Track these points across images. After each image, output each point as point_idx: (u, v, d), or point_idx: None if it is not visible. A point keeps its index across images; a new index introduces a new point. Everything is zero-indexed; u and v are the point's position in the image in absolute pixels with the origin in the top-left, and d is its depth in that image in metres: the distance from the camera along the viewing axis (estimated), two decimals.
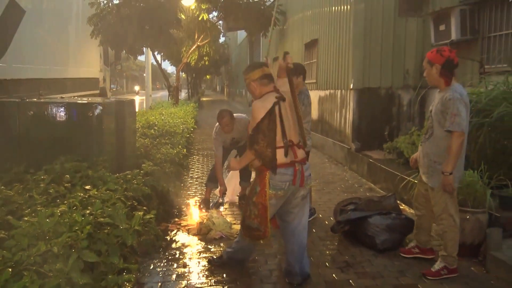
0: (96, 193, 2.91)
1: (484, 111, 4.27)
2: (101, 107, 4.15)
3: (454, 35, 5.73)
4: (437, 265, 3.49)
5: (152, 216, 3.10)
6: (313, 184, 6.19)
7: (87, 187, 3.13)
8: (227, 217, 4.89)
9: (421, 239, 3.80)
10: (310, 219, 4.62)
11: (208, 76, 43.11)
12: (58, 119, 4.15)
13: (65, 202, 2.77)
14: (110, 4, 8.92)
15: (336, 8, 8.62)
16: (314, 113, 10.26)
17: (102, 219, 2.51)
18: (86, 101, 4.33)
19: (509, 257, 3.46)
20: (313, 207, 4.90)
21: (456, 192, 3.45)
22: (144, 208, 3.46)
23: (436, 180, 3.38)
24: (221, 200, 5.31)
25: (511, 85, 4.33)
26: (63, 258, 2.17)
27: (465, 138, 3.24)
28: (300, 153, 3.20)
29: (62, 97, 5.47)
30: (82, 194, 2.88)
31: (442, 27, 6.00)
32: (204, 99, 37.05)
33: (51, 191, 3.07)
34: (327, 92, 9.29)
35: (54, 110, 4.14)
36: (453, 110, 3.15)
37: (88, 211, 2.54)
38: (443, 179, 3.27)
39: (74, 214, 2.41)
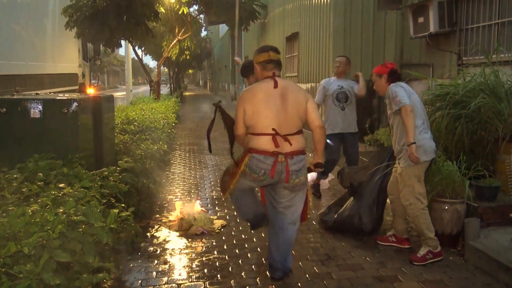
0: (70, 191, 2.84)
1: (461, 103, 4.31)
2: (76, 103, 4.06)
3: (432, 28, 5.75)
4: (422, 250, 3.60)
5: (129, 213, 3.04)
6: None
7: (61, 185, 3.05)
8: (208, 212, 4.85)
9: (397, 227, 3.93)
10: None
11: (190, 71, 42.78)
12: (32, 116, 4.04)
13: (39, 201, 2.70)
14: None
15: (317, 1, 8.60)
16: None
17: (75, 218, 2.45)
18: (60, 97, 4.22)
19: (486, 246, 3.51)
20: None
21: (423, 177, 3.60)
22: (123, 205, 3.40)
23: (405, 161, 3.57)
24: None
25: (488, 77, 4.37)
26: (34, 258, 2.11)
27: (412, 109, 3.47)
28: (286, 146, 3.08)
29: (37, 93, 5.33)
30: (55, 193, 2.80)
31: (420, 20, 6.02)
32: (186, 93, 36.80)
33: (24, 190, 2.99)
34: (308, 85, 9.29)
35: (27, 106, 4.04)
36: (392, 94, 3.57)
37: (61, 210, 2.48)
38: (408, 150, 3.47)
39: (46, 213, 2.34)
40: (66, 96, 4.50)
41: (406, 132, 3.47)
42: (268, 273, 3.40)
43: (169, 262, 3.69)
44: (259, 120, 3.09)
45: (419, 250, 3.63)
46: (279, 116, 3.07)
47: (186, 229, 4.38)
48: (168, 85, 30.10)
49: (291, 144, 3.09)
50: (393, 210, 3.98)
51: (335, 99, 5.26)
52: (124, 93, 18.48)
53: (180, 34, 14.31)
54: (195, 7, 14.68)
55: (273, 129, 3.06)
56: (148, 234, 4.29)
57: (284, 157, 3.06)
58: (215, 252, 3.87)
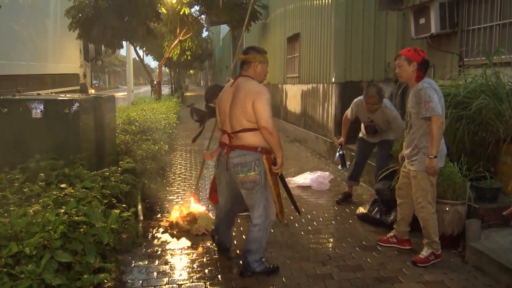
0: (71, 191, 2.85)
1: (463, 104, 4.31)
2: (78, 104, 4.06)
3: (434, 29, 5.76)
4: (425, 252, 3.60)
5: (131, 213, 3.04)
6: (295, 177, 6.21)
7: (63, 185, 3.06)
8: (210, 213, 4.85)
9: (400, 229, 3.92)
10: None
11: (191, 71, 42.78)
12: (33, 116, 4.05)
13: (40, 201, 2.71)
14: None
15: (318, 2, 8.60)
16: (297, 107, 10.27)
17: (77, 218, 2.45)
18: (62, 98, 4.23)
19: (487, 247, 3.50)
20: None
21: (436, 181, 3.59)
22: (124, 205, 3.41)
23: (420, 165, 3.51)
24: (341, 152, 5.26)
25: (489, 78, 4.37)
26: (36, 258, 2.12)
27: (443, 121, 3.42)
28: (225, 139, 3.37)
29: (38, 94, 5.34)
30: (57, 193, 2.81)
31: (422, 21, 6.02)
32: (188, 94, 36.79)
33: (25, 190, 3.00)
34: (310, 86, 9.29)
35: (29, 107, 4.04)
36: (426, 98, 3.38)
37: (62, 210, 2.48)
38: (427, 162, 3.43)
39: (47, 214, 2.35)
40: (68, 96, 4.51)
41: (431, 143, 3.39)
42: None
43: (170, 262, 3.69)
44: (219, 115, 3.49)
45: (422, 251, 3.63)
46: (226, 113, 3.36)
47: (187, 229, 4.38)
48: (170, 86, 30.12)
49: (233, 139, 3.32)
50: (400, 213, 3.92)
51: (364, 130, 5.13)
52: (126, 93, 18.49)
53: (182, 34, 14.31)
54: (197, 7, 14.67)
55: (222, 125, 3.41)
56: (149, 234, 4.29)
57: (223, 149, 3.39)
58: (216, 253, 3.87)
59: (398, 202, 3.94)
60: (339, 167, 5.48)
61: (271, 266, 3.49)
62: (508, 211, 1.98)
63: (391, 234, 4.00)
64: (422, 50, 3.58)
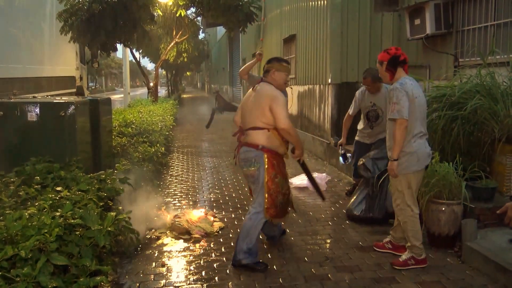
0: (67, 194, 2.84)
1: (458, 104, 4.32)
2: (73, 106, 4.06)
3: (429, 29, 5.78)
4: (405, 255, 3.57)
5: (126, 216, 3.04)
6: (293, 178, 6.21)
7: (59, 188, 3.05)
8: (208, 214, 4.84)
9: (396, 235, 3.82)
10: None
11: (188, 73, 42.79)
12: (29, 119, 4.04)
13: (36, 204, 2.70)
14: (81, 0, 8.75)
15: (314, 3, 8.63)
16: (294, 108, 10.28)
17: (73, 221, 2.45)
18: (58, 100, 4.23)
19: (483, 247, 3.51)
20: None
21: (416, 186, 3.53)
22: (120, 208, 3.41)
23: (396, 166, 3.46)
24: (342, 152, 5.44)
25: (484, 78, 4.39)
26: (31, 262, 2.11)
27: (407, 125, 3.34)
28: (242, 138, 3.69)
29: (34, 97, 5.33)
30: (53, 196, 2.80)
31: (417, 22, 6.04)
32: (184, 96, 36.80)
33: (21, 193, 2.99)
34: (306, 87, 9.31)
35: (25, 110, 4.04)
36: (393, 99, 3.36)
37: (58, 213, 2.48)
38: (389, 165, 3.45)
39: (43, 217, 2.34)
40: (64, 99, 4.51)
41: (394, 145, 3.36)
42: None
43: (166, 264, 3.69)
44: (240, 115, 3.79)
45: (402, 255, 3.60)
46: (244, 114, 3.67)
47: (184, 231, 4.37)
48: (166, 87, 30.09)
49: (245, 136, 3.66)
50: (396, 219, 3.78)
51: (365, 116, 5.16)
52: (122, 95, 18.47)
53: (178, 36, 14.31)
54: (193, 9, 14.67)
55: (242, 124, 3.72)
56: (146, 236, 4.28)
57: (239, 147, 3.68)
58: (213, 255, 3.87)
59: (394, 208, 3.80)
60: (341, 161, 5.56)
61: (259, 262, 3.56)
62: (502, 210, 1.98)
63: (387, 239, 3.92)
64: (397, 48, 3.57)
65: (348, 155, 5.48)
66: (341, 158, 5.50)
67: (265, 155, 3.54)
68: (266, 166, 3.54)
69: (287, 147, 3.73)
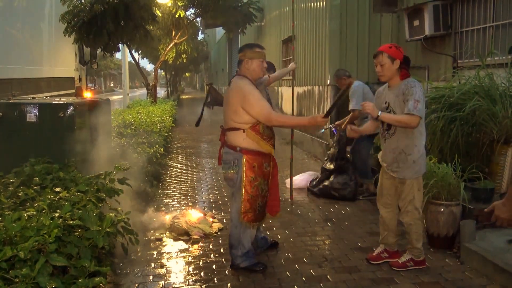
0: (66, 195, 2.84)
1: (456, 105, 4.33)
2: (72, 107, 4.07)
3: (427, 31, 5.79)
4: (404, 257, 3.55)
5: (125, 217, 3.04)
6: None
7: (58, 189, 3.06)
8: (207, 216, 4.85)
9: (389, 241, 3.66)
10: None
11: (187, 74, 42.79)
12: (28, 120, 4.05)
13: (35, 205, 2.70)
14: (83, 1, 8.76)
15: (313, 4, 8.64)
16: (293, 109, 10.27)
17: (72, 222, 2.45)
18: (57, 101, 4.23)
19: (482, 248, 3.52)
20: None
21: (422, 186, 3.49)
22: (119, 209, 3.40)
23: (408, 172, 3.36)
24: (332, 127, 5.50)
25: (483, 79, 4.40)
26: (30, 263, 2.11)
27: (418, 123, 3.21)
28: (222, 138, 3.55)
29: (33, 97, 5.34)
30: (51, 197, 2.81)
31: (416, 23, 6.06)
32: (183, 96, 36.77)
33: (20, 194, 2.99)
34: (305, 88, 9.32)
35: (24, 111, 4.04)
36: (416, 96, 3.17)
37: (57, 214, 2.48)
38: (364, 106, 3.31)
39: (42, 218, 2.34)
40: (63, 100, 4.51)
41: (393, 117, 3.23)
42: None
43: (165, 265, 3.69)
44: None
45: (401, 256, 3.57)
46: (224, 114, 3.49)
47: (183, 232, 4.37)
48: (165, 88, 30.11)
49: (224, 137, 3.50)
50: (386, 224, 3.63)
51: None
52: (121, 96, 18.46)
53: (177, 37, 14.33)
54: (192, 10, 14.70)
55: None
56: (145, 238, 4.28)
57: (220, 146, 3.56)
58: (212, 256, 3.87)
59: (381, 214, 3.64)
60: (322, 130, 5.64)
61: (258, 263, 3.54)
62: (489, 208, 1.98)
63: (381, 249, 3.70)
64: (396, 45, 3.42)
65: (334, 131, 5.50)
66: (323, 130, 5.43)
67: (244, 158, 3.32)
68: (245, 169, 3.33)
69: (272, 143, 3.44)
